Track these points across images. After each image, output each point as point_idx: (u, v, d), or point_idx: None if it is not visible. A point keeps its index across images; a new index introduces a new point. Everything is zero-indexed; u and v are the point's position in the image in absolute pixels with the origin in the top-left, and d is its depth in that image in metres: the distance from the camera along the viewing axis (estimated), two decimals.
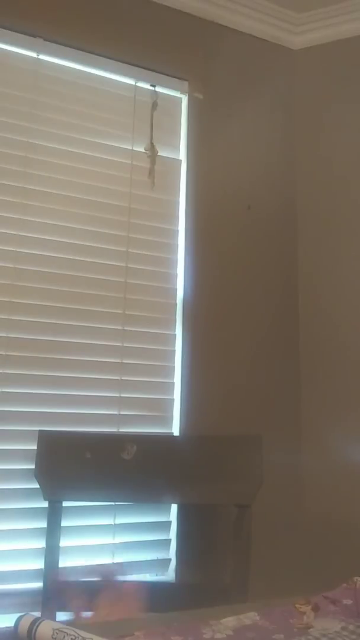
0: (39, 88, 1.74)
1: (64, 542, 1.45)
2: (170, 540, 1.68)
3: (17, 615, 0.66)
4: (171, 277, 1.84)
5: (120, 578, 0.88)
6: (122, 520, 1.62)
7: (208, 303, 1.87)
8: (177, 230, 1.88)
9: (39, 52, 1.75)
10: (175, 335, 1.81)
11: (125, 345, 1.72)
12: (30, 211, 1.67)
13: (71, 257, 1.70)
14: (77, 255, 1.71)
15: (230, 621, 0.74)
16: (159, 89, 1.92)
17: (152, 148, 1.86)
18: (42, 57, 1.75)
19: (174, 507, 1.70)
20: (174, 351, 1.80)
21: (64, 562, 1.45)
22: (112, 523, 1.60)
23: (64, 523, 1.45)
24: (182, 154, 1.94)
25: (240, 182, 2.00)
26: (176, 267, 1.86)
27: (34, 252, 1.65)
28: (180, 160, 1.93)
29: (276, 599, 0.82)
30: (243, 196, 1.99)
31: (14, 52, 1.72)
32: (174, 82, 1.94)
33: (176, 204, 1.90)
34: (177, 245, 1.87)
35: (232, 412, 1.82)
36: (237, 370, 1.87)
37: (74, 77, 1.80)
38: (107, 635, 0.62)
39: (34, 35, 1.73)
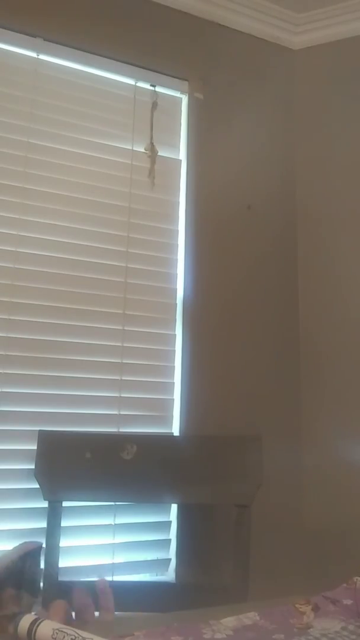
0: (39, 88, 1.74)
1: (64, 542, 1.45)
2: (170, 540, 1.68)
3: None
4: (171, 277, 1.84)
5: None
6: (122, 520, 1.62)
7: (208, 303, 1.87)
8: (177, 230, 1.88)
9: (38, 52, 1.75)
10: (175, 335, 1.81)
11: (125, 345, 1.72)
12: (30, 211, 1.67)
13: (71, 257, 1.70)
14: (77, 255, 1.71)
15: (230, 621, 0.74)
16: (159, 89, 1.92)
17: (152, 148, 1.86)
18: (42, 57, 1.75)
19: (174, 507, 1.70)
20: (173, 351, 1.80)
21: (64, 562, 1.45)
22: (112, 523, 1.60)
23: (64, 523, 1.45)
24: (182, 154, 1.94)
25: (240, 182, 2.00)
26: (176, 267, 1.86)
27: (33, 252, 1.65)
28: (180, 160, 1.93)
29: (276, 599, 0.82)
30: (243, 196, 1.99)
31: (13, 51, 1.72)
32: (174, 82, 1.94)
33: (176, 204, 1.90)
34: (177, 245, 1.87)
35: (232, 412, 1.82)
36: (237, 370, 1.87)
37: (73, 77, 1.80)
38: (107, 635, 0.62)
39: (33, 35, 1.73)
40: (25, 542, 0.83)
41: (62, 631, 0.61)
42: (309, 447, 1.89)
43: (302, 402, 1.94)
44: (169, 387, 1.78)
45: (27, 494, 1.51)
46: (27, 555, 0.78)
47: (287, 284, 2.02)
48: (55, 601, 0.77)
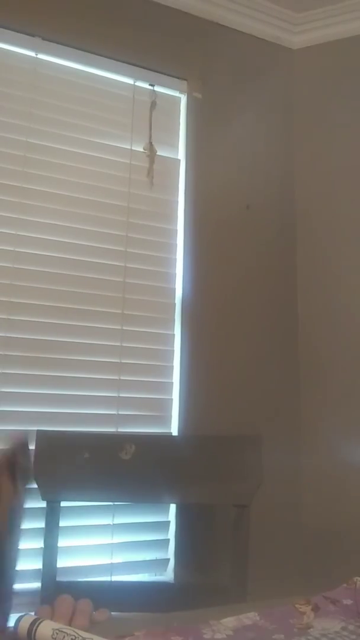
0: (38, 87, 1.73)
1: (62, 542, 1.44)
2: (169, 540, 1.68)
3: (17, 615, 0.66)
4: (170, 277, 1.84)
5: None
6: (120, 520, 1.61)
7: (207, 302, 1.87)
8: (176, 230, 1.88)
9: (37, 51, 1.74)
10: (174, 335, 1.81)
11: (124, 345, 1.72)
12: (29, 211, 1.66)
13: (70, 257, 1.69)
14: (75, 254, 1.70)
15: (230, 621, 0.74)
16: (157, 88, 1.91)
17: (150, 147, 1.86)
18: (40, 56, 1.75)
19: (173, 507, 1.70)
20: (172, 351, 1.80)
21: (63, 562, 1.44)
22: (111, 523, 1.60)
23: (62, 523, 1.45)
24: (181, 154, 1.94)
25: (239, 181, 2.00)
26: (175, 266, 1.85)
27: (32, 251, 1.65)
28: (179, 159, 1.93)
29: (276, 599, 0.82)
30: (242, 196, 1.99)
31: (12, 51, 1.72)
32: (173, 82, 1.94)
33: (175, 203, 1.90)
34: (175, 245, 1.87)
35: (231, 412, 1.82)
36: (236, 369, 1.87)
37: (72, 77, 1.80)
38: (107, 635, 0.62)
39: (32, 35, 1.73)
40: (10, 434, 0.84)
41: (62, 631, 0.61)
42: (308, 447, 1.88)
43: (301, 402, 1.94)
44: (167, 387, 1.77)
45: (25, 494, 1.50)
46: (18, 446, 0.79)
47: (286, 283, 2.02)
48: (60, 596, 0.77)
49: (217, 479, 1.52)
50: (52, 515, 1.43)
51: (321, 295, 1.99)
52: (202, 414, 1.77)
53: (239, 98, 2.06)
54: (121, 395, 1.69)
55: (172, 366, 1.79)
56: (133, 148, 1.84)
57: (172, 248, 1.86)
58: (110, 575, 1.56)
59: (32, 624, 0.62)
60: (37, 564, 1.43)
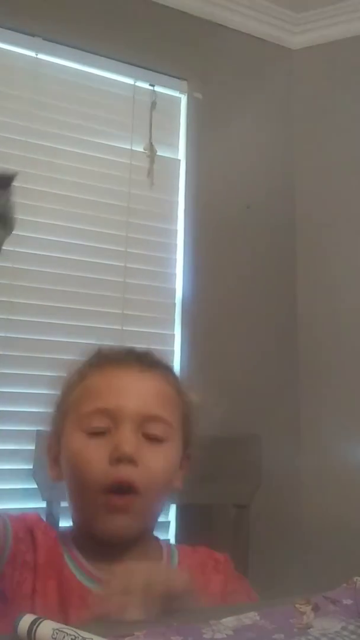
0: (38, 87, 1.73)
1: None
2: (168, 540, 1.68)
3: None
4: (170, 277, 1.84)
5: None
6: None
7: (207, 302, 1.87)
8: (176, 230, 1.88)
9: (37, 51, 1.74)
10: (174, 335, 1.81)
11: (124, 345, 1.72)
12: (28, 210, 1.66)
13: (69, 257, 1.69)
14: (75, 254, 1.70)
15: (230, 621, 0.74)
16: (158, 88, 1.91)
17: (151, 148, 1.86)
18: (40, 56, 1.75)
19: (173, 508, 1.70)
20: (172, 351, 1.80)
21: None
22: None
23: (62, 523, 1.45)
24: (181, 154, 1.94)
25: (239, 181, 2.00)
26: (175, 266, 1.85)
27: (32, 251, 1.65)
28: (179, 159, 1.93)
29: (276, 599, 0.82)
30: (242, 196, 1.99)
31: (12, 51, 1.72)
32: (173, 82, 1.94)
33: (175, 203, 1.90)
34: (175, 245, 1.87)
35: (230, 412, 1.82)
36: (236, 370, 1.87)
37: (72, 77, 1.80)
38: (107, 635, 0.62)
39: (32, 35, 1.72)
40: None
41: (61, 631, 0.61)
42: (308, 447, 1.88)
43: (301, 402, 1.94)
44: None
45: (26, 494, 1.50)
46: None
47: (286, 283, 2.02)
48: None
49: (217, 479, 1.52)
50: (52, 515, 1.43)
51: (321, 295, 1.99)
52: (201, 414, 1.77)
53: (239, 98, 2.05)
54: None
55: (172, 366, 1.79)
56: (133, 148, 1.84)
57: (172, 248, 1.86)
58: None
59: (32, 623, 0.62)
60: None
